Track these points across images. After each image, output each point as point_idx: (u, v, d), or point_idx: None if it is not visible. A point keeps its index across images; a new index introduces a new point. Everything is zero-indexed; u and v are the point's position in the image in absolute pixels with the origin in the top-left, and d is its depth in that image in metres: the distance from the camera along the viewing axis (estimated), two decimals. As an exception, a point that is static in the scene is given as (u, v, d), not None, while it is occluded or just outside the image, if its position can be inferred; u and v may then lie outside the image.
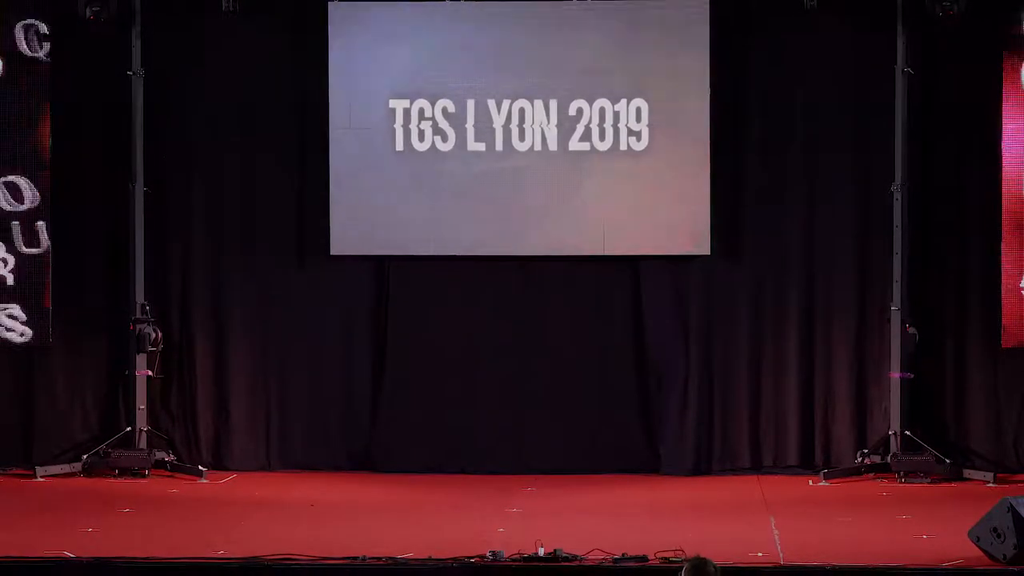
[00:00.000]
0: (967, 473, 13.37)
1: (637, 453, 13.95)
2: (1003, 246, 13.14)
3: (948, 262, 13.71)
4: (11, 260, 13.52)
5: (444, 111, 13.81)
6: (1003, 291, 13.15)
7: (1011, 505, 9.72)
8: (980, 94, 13.38)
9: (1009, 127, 13.08)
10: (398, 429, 14.00)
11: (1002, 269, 13.15)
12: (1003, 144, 13.12)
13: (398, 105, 13.81)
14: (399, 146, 13.82)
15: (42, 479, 13.45)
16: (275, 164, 14.02)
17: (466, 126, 13.82)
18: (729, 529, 11.23)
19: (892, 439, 13.52)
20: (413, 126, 13.83)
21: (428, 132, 13.83)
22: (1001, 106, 13.10)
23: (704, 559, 7.45)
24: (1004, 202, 13.13)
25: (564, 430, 13.91)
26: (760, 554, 10.11)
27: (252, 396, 14.11)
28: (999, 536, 9.78)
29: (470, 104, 13.81)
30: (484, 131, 13.80)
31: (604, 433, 13.92)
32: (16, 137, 13.52)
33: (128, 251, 13.88)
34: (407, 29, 13.81)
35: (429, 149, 13.82)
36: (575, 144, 13.76)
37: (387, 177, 13.83)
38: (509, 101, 13.79)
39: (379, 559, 9.86)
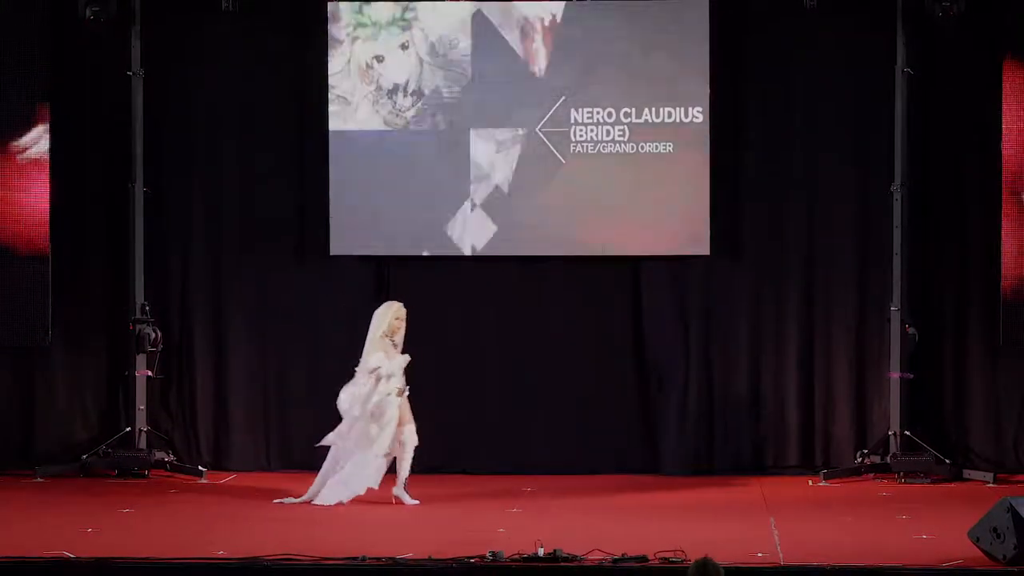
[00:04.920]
0: (967, 473, 13.36)
1: (637, 453, 13.95)
2: (1003, 246, 13.13)
3: (948, 262, 13.71)
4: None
5: (444, 111, 13.81)
6: (1003, 291, 13.15)
7: (1011, 505, 9.71)
8: (980, 94, 13.38)
9: (1009, 127, 13.07)
10: (398, 429, 14.00)
11: (1002, 269, 13.14)
12: (1003, 144, 13.11)
13: (398, 105, 13.81)
14: (399, 146, 13.82)
15: (42, 479, 13.45)
16: (275, 164, 14.03)
17: (466, 126, 13.81)
18: (729, 529, 11.22)
19: (892, 439, 13.52)
20: (413, 126, 13.83)
21: (428, 132, 13.83)
22: (1001, 106, 13.10)
23: (707, 559, 7.43)
24: (1004, 202, 13.12)
25: (564, 430, 13.91)
26: (760, 554, 10.09)
27: (252, 396, 14.11)
28: (999, 536, 9.76)
29: (469, 104, 13.81)
30: (484, 131, 13.80)
31: (604, 433, 13.92)
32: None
33: (128, 251, 13.89)
34: (407, 28, 13.81)
35: (429, 149, 13.82)
36: (575, 144, 13.76)
37: (387, 177, 13.83)
38: (509, 101, 13.79)
39: (379, 559, 9.84)
